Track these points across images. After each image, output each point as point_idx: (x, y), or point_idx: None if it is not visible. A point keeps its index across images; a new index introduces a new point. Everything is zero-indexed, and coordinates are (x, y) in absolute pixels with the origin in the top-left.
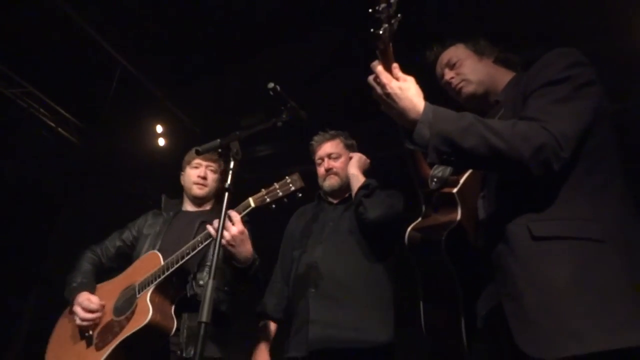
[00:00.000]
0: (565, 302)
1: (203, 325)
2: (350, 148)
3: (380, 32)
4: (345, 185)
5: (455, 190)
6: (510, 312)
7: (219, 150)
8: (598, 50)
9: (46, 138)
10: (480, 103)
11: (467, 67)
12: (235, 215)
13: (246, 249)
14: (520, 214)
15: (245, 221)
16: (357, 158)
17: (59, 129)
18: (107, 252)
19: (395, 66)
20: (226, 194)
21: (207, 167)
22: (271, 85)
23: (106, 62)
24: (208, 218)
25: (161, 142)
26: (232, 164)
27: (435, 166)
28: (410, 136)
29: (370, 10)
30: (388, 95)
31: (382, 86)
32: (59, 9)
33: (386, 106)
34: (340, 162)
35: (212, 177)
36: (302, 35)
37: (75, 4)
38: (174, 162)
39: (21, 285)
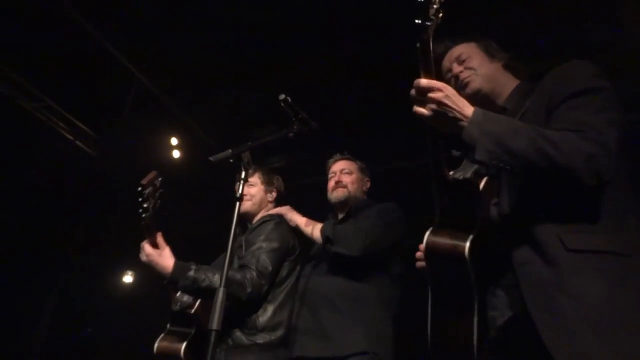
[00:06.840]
0: (601, 316)
1: (214, 333)
2: (363, 172)
3: (428, 23)
4: (352, 199)
5: (475, 192)
6: (541, 320)
7: (231, 160)
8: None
9: (64, 150)
10: (484, 104)
11: (477, 63)
12: (143, 244)
13: (160, 265)
14: (547, 222)
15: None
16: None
17: (77, 142)
18: None
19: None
20: (237, 203)
21: (247, 185)
22: (282, 96)
23: (123, 76)
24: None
25: (176, 154)
26: (243, 174)
27: (455, 170)
28: (459, 138)
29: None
30: (441, 103)
31: (438, 90)
32: (77, 25)
33: (436, 116)
34: (351, 179)
35: (251, 191)
36: (316, 50)
37: (93, 20)
38: (189, 174)
39: (39, 293)
